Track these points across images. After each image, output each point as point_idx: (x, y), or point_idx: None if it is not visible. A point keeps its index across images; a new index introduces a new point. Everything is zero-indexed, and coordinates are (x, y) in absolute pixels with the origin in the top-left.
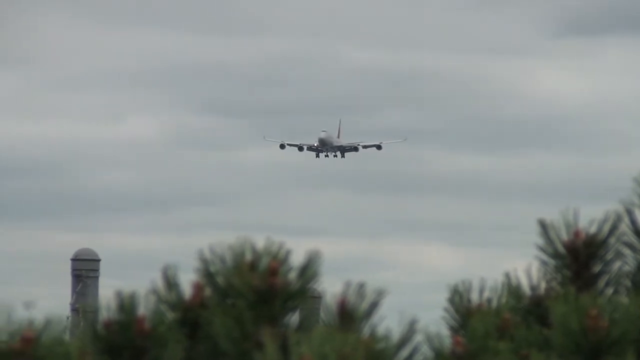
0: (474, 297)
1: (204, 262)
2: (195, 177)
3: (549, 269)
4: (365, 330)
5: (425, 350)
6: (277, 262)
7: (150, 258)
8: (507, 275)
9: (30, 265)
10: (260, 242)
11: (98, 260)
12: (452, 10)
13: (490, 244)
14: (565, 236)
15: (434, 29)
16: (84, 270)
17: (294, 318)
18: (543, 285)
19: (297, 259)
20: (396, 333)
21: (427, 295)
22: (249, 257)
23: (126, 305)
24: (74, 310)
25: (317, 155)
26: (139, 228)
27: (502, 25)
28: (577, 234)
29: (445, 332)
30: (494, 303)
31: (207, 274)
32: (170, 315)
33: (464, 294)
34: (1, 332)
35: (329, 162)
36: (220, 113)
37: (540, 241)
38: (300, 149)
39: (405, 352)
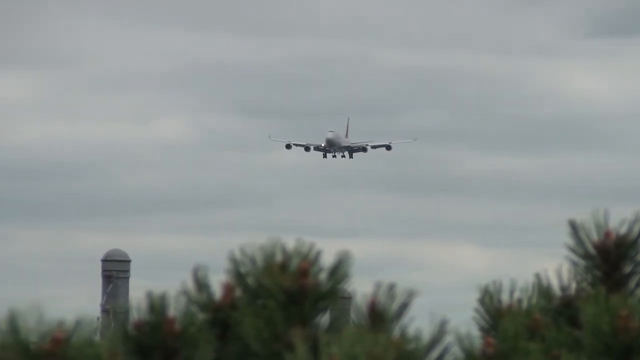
0: (505, 297)
1: (235, 262)
2: (225, 178)
3: (580, 270)
4: (396, 331)
5: (456, 350)
6: (308, 262)
7: (180, 259)
8: (538, 276)
9: (61, 266)
10: (290, 243)
11: (128, 261)
12: (483, 11)
13: (521, 244)
14: (595, 237)
15: (465, 30)
16: (115, 271)
17: (324, 319)
18: (573, 286)
19: (327, 259)
20: (426, 334)
21: (457, 295)
22: (279, 257)
23: (156, 306)
24: (105, 310)
25: (325, 156)
26: (169, 229)
27: (534, 25)
28: (607, 234)
29: (475, 332)
30: (525, 304)
31: (238, 275)
32: (200, 316)
33: (494, 295)
34: (32, 333)
35: (359, 163)
36: (250, 114)
37: (571, 242)
38: (307, 149)
39: (435, 353)
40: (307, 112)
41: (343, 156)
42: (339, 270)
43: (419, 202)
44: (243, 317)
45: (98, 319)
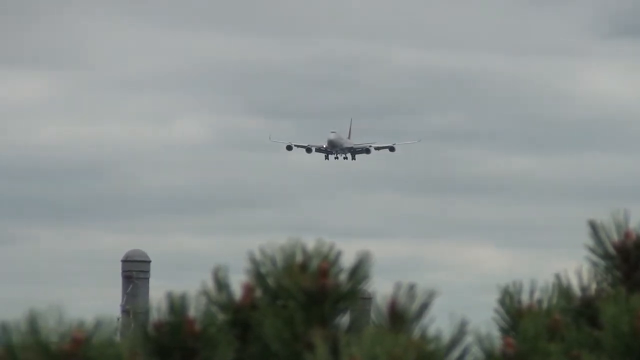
0: (525, 298)
1: (255, 263)
2: (245, 179)
3: (599, 270)
4: (416, 332)
5: (476, 351)
6: (328, 263)
7: (200, 259)
8: (558, 277)
9: (81, 266)
10: (310, 244)
11: (148, 262)
12: (500, 10)
13: (540, 244)
14: (615, 237)
15: (482, 29)
16: (135, 271)
17: (344, 319)
18: (593, 286)
19: (347, 260)
20: (447, 334)
21: (477, 296)
22: (299, 258)
23: (176, 306)
24: (125, 311)
25: (327, 157)
26: (189, 229)
27: (552, 25)
28: (627, 234)
29: (495, 333)
30: (545, 304)
31: (258, 275)
32: (220, 317)
33: (514, 295)
34: (52, 333)
35: (379, 163)
36: (269, 114)
37: (591, 242)
38: (309, 150)
39: (455, 354)
40: (326, 112)
41: (345, 158)
42: (359, 271)
43: (438, 203)
44: (263, 317)
45: (118, 319)
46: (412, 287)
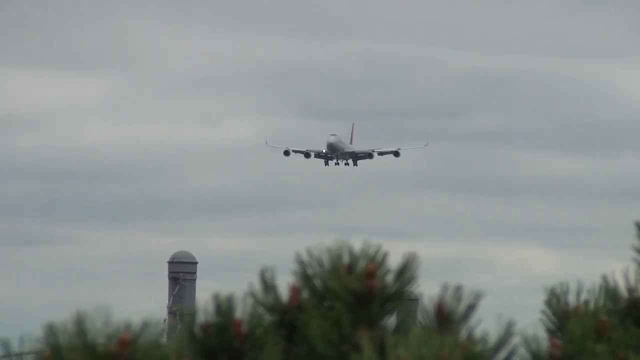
0: (571, 299)
1: (302, 264)
2: (292, 180)
3: None
4: (463, 333)
5: (523, 352)
6: (375, 264)
7: (247, 261)
8: (604, 278)
9: (128, 268)
10: (357, 245)
11: (195, 263)
12: (548, 11)
13: (587, 246)
14: None
15: (527, 32)
16: (181, 272)
17: (391, 320)
18: None
19: (394, 261)
20: (493, 335)
21: (524, 297)
22: (346, 260)
23: (223, 307)
24: (171, 312)
25: (327, 163)
26: (236, 231)
27: (600, 26)
28: None
29: (542, 334)
30: (591, 305)
31: (305, 277)
32: (267, 318)
33: (561, 297)
34: (99, 334)
35: (425, 165)
36: (316, 116)
37: (637, 243)
38: (307, 155)
39: (502, 355)
40: (370, 113)
41: (347, 163)
42: (406, 272)
43: (485, 204)
44: (310, 319)
45: (165, 320)
46: (459, 289)
